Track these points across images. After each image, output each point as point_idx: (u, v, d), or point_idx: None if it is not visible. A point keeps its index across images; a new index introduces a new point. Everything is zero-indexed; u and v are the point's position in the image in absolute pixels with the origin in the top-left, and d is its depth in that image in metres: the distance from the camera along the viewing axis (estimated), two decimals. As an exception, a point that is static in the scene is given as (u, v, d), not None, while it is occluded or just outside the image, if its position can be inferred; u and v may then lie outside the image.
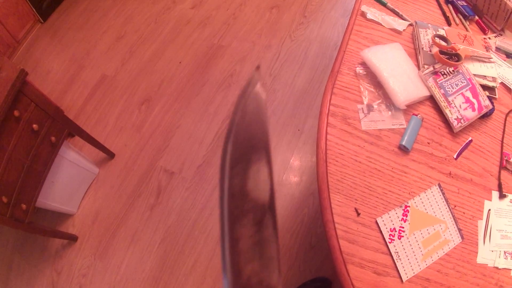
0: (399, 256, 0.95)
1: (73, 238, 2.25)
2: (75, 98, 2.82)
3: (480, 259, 1.02)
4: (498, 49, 1.33)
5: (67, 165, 2.12)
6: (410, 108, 1.13)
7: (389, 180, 1.03)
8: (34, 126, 1.69)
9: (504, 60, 1.30)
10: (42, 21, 3.30)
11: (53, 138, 1.82)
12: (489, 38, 1.34)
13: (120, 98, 2.78)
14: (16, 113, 1.59)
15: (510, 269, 1.04)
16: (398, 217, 0.98)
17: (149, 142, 2.57)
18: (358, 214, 0.98)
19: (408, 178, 1.04)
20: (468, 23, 1.37)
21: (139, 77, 2.86)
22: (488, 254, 1.03)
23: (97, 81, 2.88)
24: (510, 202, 1.10)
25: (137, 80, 2.84)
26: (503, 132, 1.18)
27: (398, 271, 0.95)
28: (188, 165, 2.44)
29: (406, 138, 1.06)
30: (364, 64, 1.17)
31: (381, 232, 0.97)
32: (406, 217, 0.99)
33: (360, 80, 1.15)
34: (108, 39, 3.11)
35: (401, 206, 1.00)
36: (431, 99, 1.15)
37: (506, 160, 1.13)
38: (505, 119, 1.20)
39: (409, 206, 1.00)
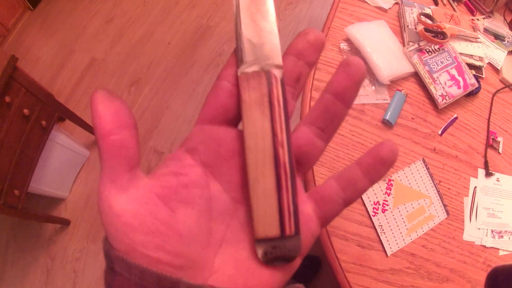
0: (383, 230, 0.96)
1: (65, 223, 2.25)
2: (65, 82, 2.80)
3: (466, 236, 1.02)
4: (486, 30, 1.32)
5: (58, 149, 2.11)
6: (394, 84, 1.13)
7: (373, 154, 1.04)
8: (25, 111, 1.68)
9: (493, 41, 1.30)
10: (31, 8, 3.26)
11: (43, 123, 1.82)
12: (477, 19, 1.34)
13: (109, 80, 2.77)
14: (7, 99, 1.58)
15: (498, 249, 1.05)
16: (382, 190, 0.99)
17: (138, 123, 2.47)
18: (342, 187, 0.99)
19: (392, 153, 1.04)
20: (456, 3, 1.36)
21: (128, 59, 2.83)
22: (474, 232, 1.04)
23: (87, 64, 2.85)
24: (497, 180, 1.11)
25: (126, 62, 2.82)
26: (490, 111, 1.18)
27: (382, 244, 0.96)
28: (177, 145, 2.43)
29: (389, 113, 1.07)
30: (348, 41, 1.16)
31: (364, 205, 0.97)
32: (390, 190, 0.99)
33: (344, 55, 1.15)
34: (97, 22, 3.07)
35: (384, 180, 1.00)
36: (416, 75, 1.15)
37: (493, 139, 1.14)
38: (492, 98, 1.20)
39: (392, 180, 1.01)
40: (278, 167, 0.30)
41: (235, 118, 0.32)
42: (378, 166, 0.31)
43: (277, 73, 0.30)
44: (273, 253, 0.30)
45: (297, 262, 0.33)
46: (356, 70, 0.30)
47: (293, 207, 0.30)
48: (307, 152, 0.32)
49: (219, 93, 0.31)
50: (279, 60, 0.31)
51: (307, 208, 0.33)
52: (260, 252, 0.31)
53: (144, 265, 0.27)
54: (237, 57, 0.31)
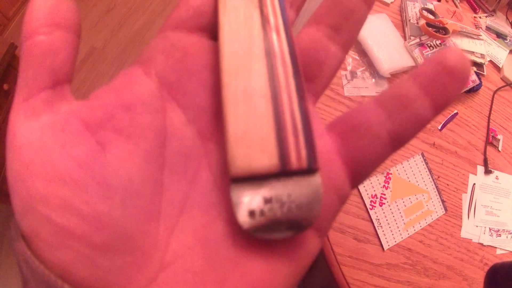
0: (380, 224, 0.95)
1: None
2: (64, 72, 2.80)
3: (464, 233, 1.02)
4: (488, 29, 1.32)
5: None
6: (395, 77, 1.11)
7: (371, 147, 1.03)
8: (23, 98, 1.68)
9: (495, 40, 1.29)
10: (33, -2, 3.28)
11: (41, 111, 1.81)
12: (480, 17, 1.34)
13: (108, 69, 2.76)
14: (5, 86, 1.58)
15: (496, 247, 1.04)
16: (380, 183, 0.98)
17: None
18: (339, 179, 0.98)
19: (390, 146, 1.04)
20: (458, 0, 1.35)
21: (127, 48, 2.84)
22: (472, 229, 1.03)
23: (86, 53, 2.85)
24: (496, 178, 1.10)
25: (125, 52, 2.83)
26: (490, 109, 1.18)
27: (379, 238, 0.94)
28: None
29: (389, 106, 1.05)
30: (350, 33, 1.15)
31: (362, 198, 0.96)
32: (388, 184, 0.98)
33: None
34: (97, 12, 3.06)
35: (382, 173, 0.99)
36: (417, 69, 1.14)
37: (493, 136, 1.14)
38: (493, 96, 1.20)
39: (391, 173, 0.99)
40: (272, 57, 0.19)
41: (211, 29, 0.22)
42: (444, 78, 0.19)
43: None
44: (267, 211, 0.17)
45: (314, 242, 0.20)
46: None
47: (302, 117, 0.18)
48: (316, 58, 0.22)
49: None
50: None
51: (325, 143, 0.20)
52: (241, 209, 0.17)
53: (51, 273, 0.16)
54: None
